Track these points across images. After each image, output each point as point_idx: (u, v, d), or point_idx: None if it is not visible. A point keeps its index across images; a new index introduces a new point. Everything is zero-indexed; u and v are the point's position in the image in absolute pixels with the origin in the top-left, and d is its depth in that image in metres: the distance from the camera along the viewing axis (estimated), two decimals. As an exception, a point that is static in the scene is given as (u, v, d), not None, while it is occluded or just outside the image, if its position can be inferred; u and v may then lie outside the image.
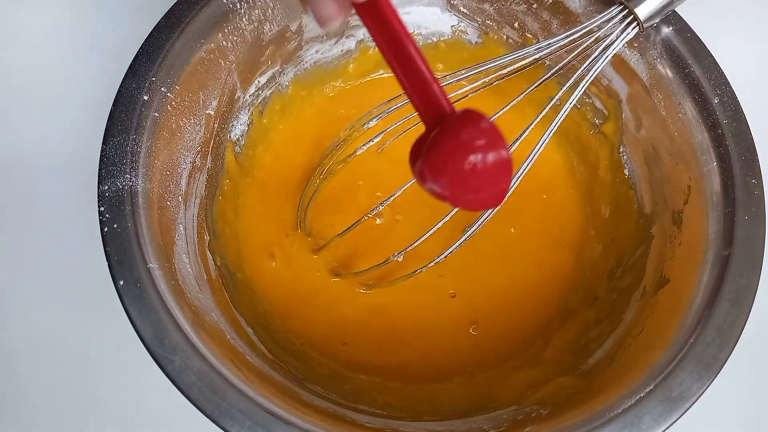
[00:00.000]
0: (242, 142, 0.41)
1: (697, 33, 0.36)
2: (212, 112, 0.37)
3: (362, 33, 0.44)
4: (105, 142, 0.31)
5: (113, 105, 0.32)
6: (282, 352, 0.35)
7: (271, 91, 0.42)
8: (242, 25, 0.37)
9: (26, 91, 0.45)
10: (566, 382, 0.33)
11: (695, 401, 0.28)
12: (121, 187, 0.30)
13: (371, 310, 0.39)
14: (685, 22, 0.36)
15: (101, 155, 0.31)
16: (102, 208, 0.29)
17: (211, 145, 0.38)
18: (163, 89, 0.33)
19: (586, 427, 0.27)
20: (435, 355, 0.38)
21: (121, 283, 0.28)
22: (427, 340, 0.39)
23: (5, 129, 0.44)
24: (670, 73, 0.36)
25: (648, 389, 0.28)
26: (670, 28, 0.36)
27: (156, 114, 0.33)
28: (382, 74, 0.45)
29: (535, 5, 0.41)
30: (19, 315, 0.40)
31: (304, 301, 0.39)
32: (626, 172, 0.41)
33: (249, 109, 0.41)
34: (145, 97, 0.32)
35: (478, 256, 0.40)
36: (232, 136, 0.40)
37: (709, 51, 0.36)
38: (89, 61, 0.46)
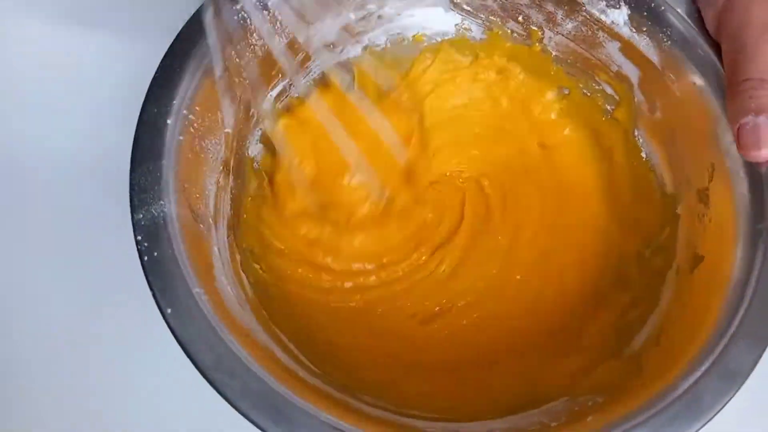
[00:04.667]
0: (260, 158, 0.41)
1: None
2: (230, 131, 0.37)
3: (367, 39, 0.44)
4: (133, 169, 0.30)
5: (137, 131, 0.31)
6: (325, 364, 0.35)
7: (282, 104, 0.42)
8: (253, 40, 0.37)
9: (26, 92, 0.45)
10: (615, 365, 0.33)
11: (749, 374, 0.28)
12: (156, 214, 0.29)
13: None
14: (692, 3, 0.37)
15: (131, 183, 0.30)
16: (139, 237, 0.29)
17: (232, 163, 0.38)
18: (184, 112, 0.33)
19: (647, 412, 0.27)
20: (480, 342, 0.38)
21: (169, 311, 0.27)
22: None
23: (5, 129, 0.44)
24: (682, 53, 0.37)
25: (704, 367, 0.28)
26: (678, 10, 0.37)
27: (180, 138, 0.32)
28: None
29: (538, -3, 0.41)
30: (23, 315, 0.40)
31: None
32: (643, 154, 0.41)
33: (263, 125, 0.41)
34: (169, 121, 0.32)
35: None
36: (250, 152, 0.40)
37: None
38: (94, 62, 0.45)
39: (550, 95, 0.43)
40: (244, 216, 0.38)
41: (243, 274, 0.36)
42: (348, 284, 0.39)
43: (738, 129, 0.31)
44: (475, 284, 0.40)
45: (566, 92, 0.44)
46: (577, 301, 0.39)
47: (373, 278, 0.40)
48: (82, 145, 0.43)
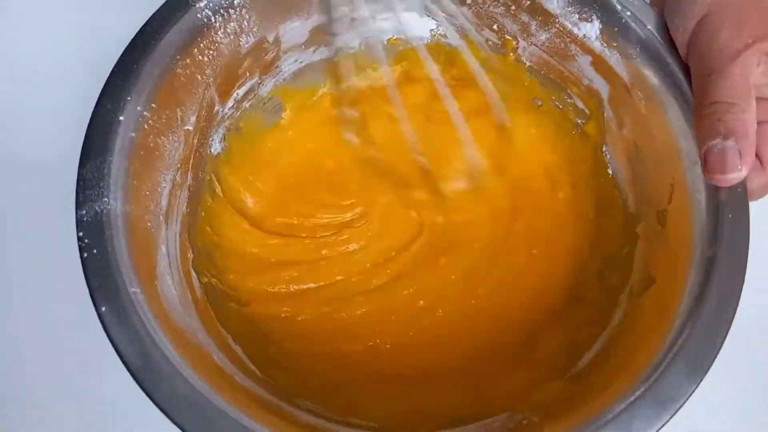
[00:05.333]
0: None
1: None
2: (191, 128, 0.37)
3: (341, 40, 0.43)
4: (81, 165, 0.30)
5: (88, 127, 0.31)
6: (271, 366, 0.35)
7: (249, 103, 0.41)
8: (218, 38, 0.37)
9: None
10: (557, 385, 0.33)
11: (685, 402, 0.28)
12: (99, 211, 0.29)
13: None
14: (663, 19, 0.36)
15: (78, 179, 0.30)
16: (81, 234, 0.29)
17: (191, 161, 0.37)
18: (138, 108, 0.32)
19: (576, 434, 0.27)
20: (433, 352, 0.38)
21: (103, 309, 0.28)
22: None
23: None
24: (650, 72, 0.36)
25: (639, 392, 0.28)
26: (649, 27, 0.36)
27: (133, 134, 0.32)
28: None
29: (513, 7, 0.40)
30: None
31: None
32: (610, 171, 0.41)
33: (228, 123, 0.40)
34: (121, 118, 0.32)
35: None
36: (212, 150, 0.40)
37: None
38: (73, 60, 0.46)
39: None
40: (202, 214, 0.38)
41: (193, 273, 0.36)
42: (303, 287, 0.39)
43: (705, 151, 0.31)
44: (432, 297, 0.40)
45: (539, 103, 0.44)
46: (533, 316, 0.39)
47: (327, 289, 0.39)
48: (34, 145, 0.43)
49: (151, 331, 0.27)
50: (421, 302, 0.39)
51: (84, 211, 0.29)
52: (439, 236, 0.40)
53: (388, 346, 0.38)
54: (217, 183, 0.40)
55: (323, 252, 0.40)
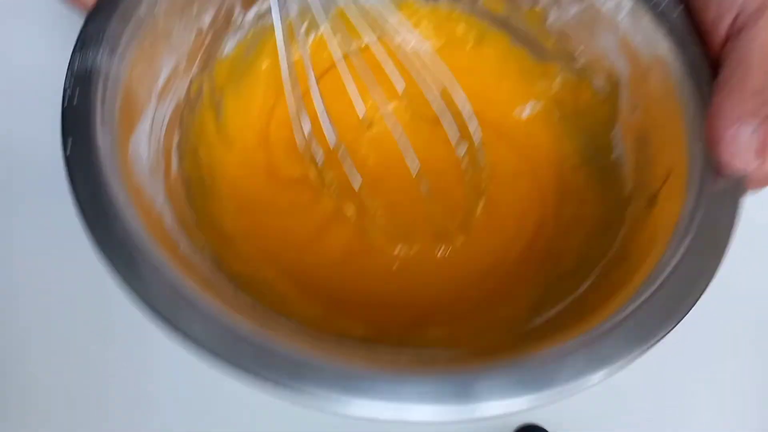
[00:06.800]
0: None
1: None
2: (205, 25, 0.38)
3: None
4: (85, 24, 0.32)
5: None
6: (225, 251, 0.35)
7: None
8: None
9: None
10: (500, 337, 0.32)
11: (618, 367, 0.26)
12: (90, 65, 0.30)
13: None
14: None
15: (79, 36, 0.31)
16: (68, 84, 0.30)
17: (200, 55, 0.38)
18: None
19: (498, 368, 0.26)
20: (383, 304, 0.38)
21: (68, 152, 0.28)
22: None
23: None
24: (670, 55, 0.35)
25: (574, 348, 0.27)
26: (679, 8, 0.35)
27: (143, 9, 0.33)
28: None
29: (548, -27, 0.40)
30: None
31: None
32: (613, 155, 0.39)
33: (246, 31, 0.41)
34: None
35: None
36: (224, 52, 0.40)
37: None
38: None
39: None
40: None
41: (175, 153, 0.36)
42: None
43: (738, 129, 0.28)
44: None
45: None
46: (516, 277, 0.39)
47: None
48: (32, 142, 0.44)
49: (108, 178, 0.28)
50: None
51: (76, 64, 0.30)
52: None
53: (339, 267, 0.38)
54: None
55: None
